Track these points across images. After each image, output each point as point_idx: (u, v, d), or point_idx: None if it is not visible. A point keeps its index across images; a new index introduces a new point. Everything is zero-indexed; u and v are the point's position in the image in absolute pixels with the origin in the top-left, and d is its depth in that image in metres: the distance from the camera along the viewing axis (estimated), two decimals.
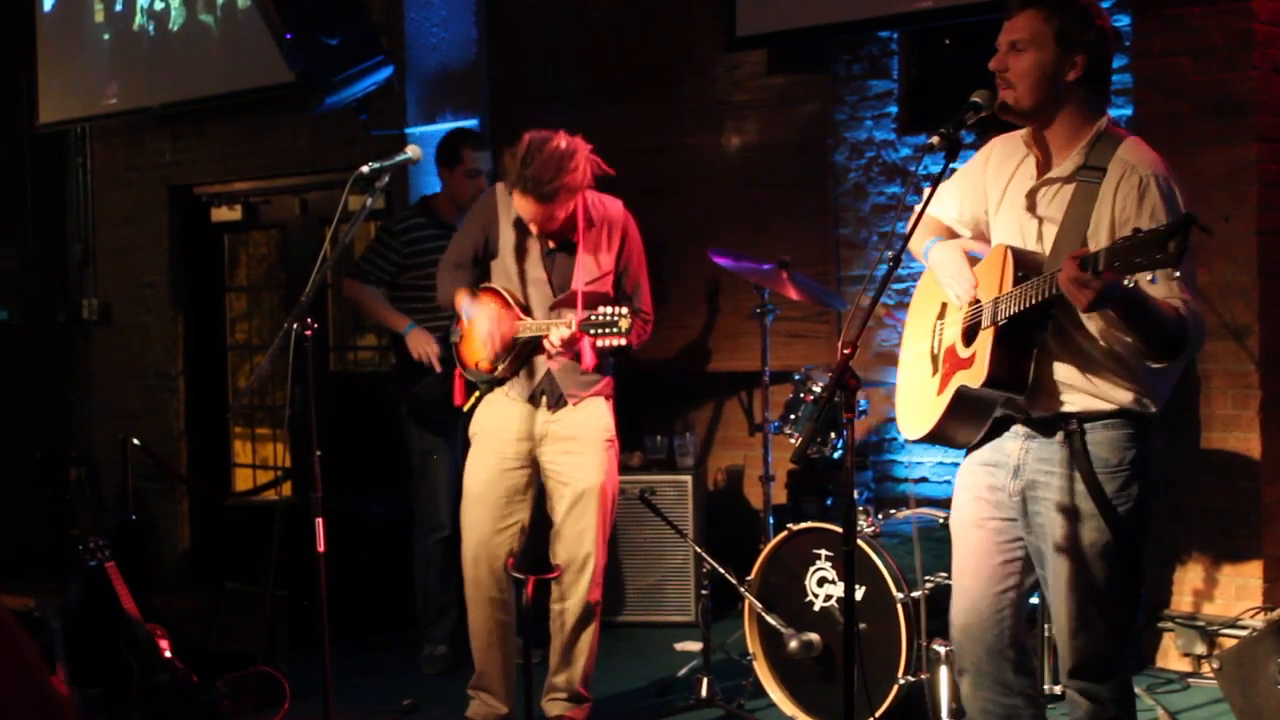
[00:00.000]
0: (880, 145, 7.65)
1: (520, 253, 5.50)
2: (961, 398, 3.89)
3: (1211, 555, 6.31)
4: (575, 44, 8.57)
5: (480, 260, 5.59)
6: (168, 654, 5.91)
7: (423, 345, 6.60)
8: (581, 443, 5.50)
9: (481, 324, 5.42)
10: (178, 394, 10.12)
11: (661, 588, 7.42)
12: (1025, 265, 3.76)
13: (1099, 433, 3.80)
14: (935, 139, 3.75)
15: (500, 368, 5.47)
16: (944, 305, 4.10)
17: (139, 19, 9.70)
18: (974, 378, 3.80)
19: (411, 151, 5.14)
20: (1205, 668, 6.09)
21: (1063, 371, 3.80)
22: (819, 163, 7.83)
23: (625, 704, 6.18)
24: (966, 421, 3.98)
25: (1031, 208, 3.87)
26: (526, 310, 5.45)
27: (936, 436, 4.04)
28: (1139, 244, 3.26)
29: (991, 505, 3.99)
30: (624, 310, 5.15)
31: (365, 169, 4.92)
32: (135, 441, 8.42)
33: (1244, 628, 5.97)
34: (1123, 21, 6.76)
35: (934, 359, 4.08)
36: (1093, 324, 3.74)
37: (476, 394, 5.61)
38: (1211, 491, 6.29)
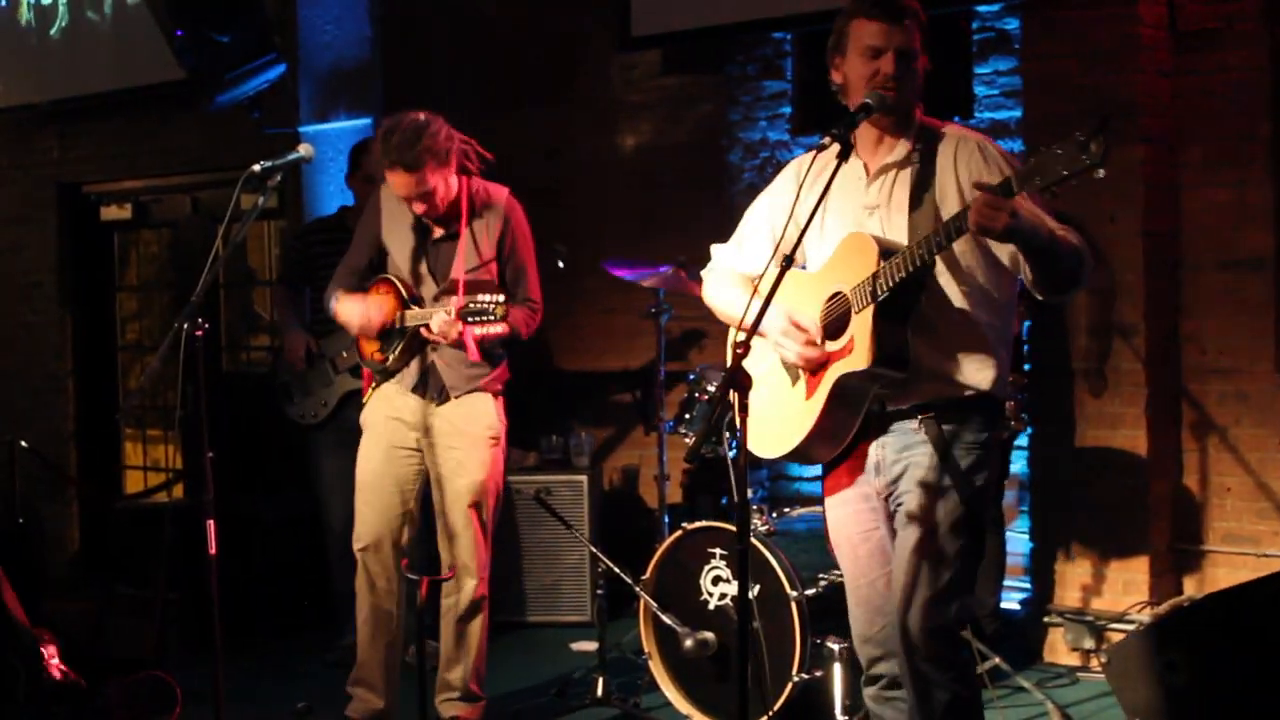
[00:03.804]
0: (774, 145, 7.69)
1: (406, 247, 5.52)
2: (839, 393, 3.88)
3: (1099, 551, 6.40)
4: (470, 43, 8.54)
5: (376, 264, 5.61)
6: (55, 659, 5.82)
7: (290, 350, 6.81)
8: (463, 438, 5.50)
9: (351, 310, 5.48)
10: (67, 395, 9.98)
11: (557, 587, 7.40)
12: (886, 247, 3.82)
13: (954, 414, 3.90)
14: (828, 139, 3.79)
15: (391, 358, 5.47)
16: None
17: (25, 14, 9.54)
18: (859, 360, 3.79)
19: (304, 150, 5.10)
20: (1094, 662, 6.19)
21: (927, 356, 3.86)
22: (714, 163, 7.87)
23: (521, 704, 6.16)
24: (840, 424, 3.96)
25: (867, 202, 3.96)
26: (417, 301, 5.47)
27: (803, 449, 4.01)
28: (1058, 155, 3.36)
29: (870, 513, 4.05)
30: (499, 298, 5.18)
31: (257, 167, 4.87)
32: (23, 444, 8.30)
33: (1131, 622, 6.07)
34: (1012, 25, 6.85)
35: (789, 369, 4.05)
36: (960, 301, 3.86)
37: (374, 386, 5.62)
38: (1099, 488, 6.38)
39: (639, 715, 5.87)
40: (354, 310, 5.50)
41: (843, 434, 3.99)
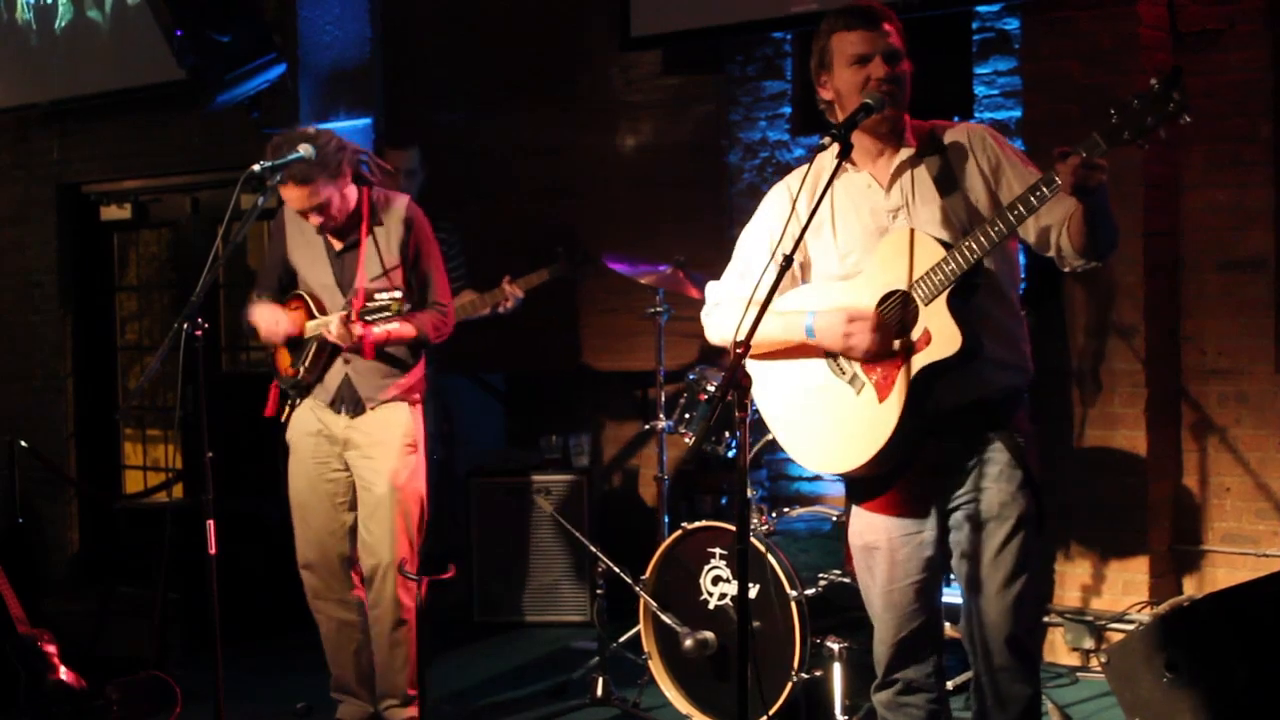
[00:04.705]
0: (774, 146, 7.69)
1: (312, 262, 5.55)
2: (918, 386, 3.79)
3: (1099, 551, 6.40)
4: (470, 43, 8.53)
5: (286, 284, 5.65)
6: (56, 659, 5.82)
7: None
8: (380, 448, 5.52)
9: (262, 314, 5.49)
10: (66, 395, 9.97)
11: (557, 587, 7.41)
12: (940, 238, 3.81)
13: (1009, 405, 3.93)
14: (827, 139, 3.79)
15: (301, 371, 5.50)
16: None
17: (23, 13, 9.53)
18: (944, 348, 3.74)
19: (304, 150, 5.11)
20: (1093, 662, 6.19)
21: (987, 345, 3.82)
22: (713, 163, 7.86)
23: (521, 704, 6.17)
24: (913, 429, 3.84)
25: (889, 206, 3.96)
26: (325, 314, 5.49)
27: (878, 458, 3.88)
28: (1138, 108, 3.43)
29: (915, 518, 4.02)
30: (396, 294, 5.20)
31: (257, 167, 4.89)
32: (22, 444, 8.29)
33: (1131, 622, 6.07)
34: (1012, 25, 6.85)
35: (852, 380, 3.94)
36: (1000, 286, 3.89)
37: (289, 404, 5.62)
38: (1099, 488, 6.38)
39: (639, 715, 5.87)
40: (264, 314, 5.50)
41: (910, 444, 3.89)
